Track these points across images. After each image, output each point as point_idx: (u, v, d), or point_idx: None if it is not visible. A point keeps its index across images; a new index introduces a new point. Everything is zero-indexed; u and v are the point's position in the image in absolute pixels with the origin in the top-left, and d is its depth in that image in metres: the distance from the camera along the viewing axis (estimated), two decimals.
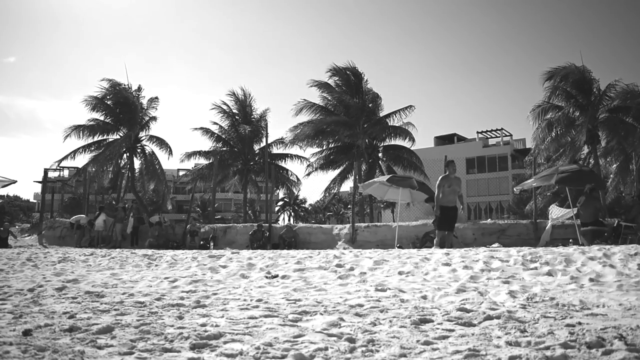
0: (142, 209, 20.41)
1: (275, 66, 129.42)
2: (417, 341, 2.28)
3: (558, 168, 11.83)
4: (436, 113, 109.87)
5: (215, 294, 4.10)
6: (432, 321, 2.77)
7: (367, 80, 24.38)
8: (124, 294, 4.06)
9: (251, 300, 3.67)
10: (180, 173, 37.76)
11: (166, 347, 2.18)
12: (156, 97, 24.30)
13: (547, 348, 2.08)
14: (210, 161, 24.33)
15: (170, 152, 23.70)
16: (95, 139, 23.20)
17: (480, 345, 2.17)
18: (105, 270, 6.32)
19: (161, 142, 23.77)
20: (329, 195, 27.10)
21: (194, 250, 10.30)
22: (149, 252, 9.29)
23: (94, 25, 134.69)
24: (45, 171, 22.72)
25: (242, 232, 15.37)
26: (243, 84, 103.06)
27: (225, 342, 2.28)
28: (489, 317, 2.82)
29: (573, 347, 2.10)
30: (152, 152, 24.05)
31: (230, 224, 17.58)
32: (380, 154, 24.59)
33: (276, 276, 5.30)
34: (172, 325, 2.67)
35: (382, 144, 24.65)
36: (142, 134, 23.86)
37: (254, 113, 25.52)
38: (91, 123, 23.12)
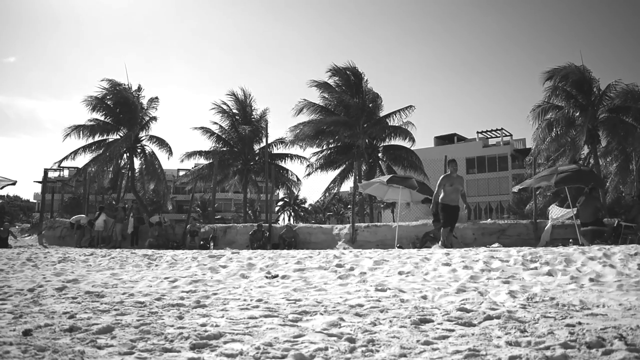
0: (142, 209, 20.42)
1: (275, 66, 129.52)
2: (417, 341, 2.28)
3: (557, 168, 11.82)
4: (436, 113, 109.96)
5: (215, 294, 4.10)
6: (432, 321, 2.77)
7: (367, 80, 24.41)
8: (124, 294, 4.06)
9: (251, 300, 3.67)
10: (180, 173, 37.75)
11: (166, 347, 2.18)
12: (156, 97, 24.33)
13: (547, 348, 2.08)
14: (210, 161, 24.34)
15: (170, 152, 23.71)
16: (96, 139, 23.21)
17: (480, 345, 2.17)
18: (105, 270, 6.32)
19: (161, 142, 23.77)
20: (329, 195, 27.10)
21: (194, 250, 10.30)
22: (149, 252, 9.29)
23: (94, 25, 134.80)
24: (45, 171, 22.76)
25: (242, 232, 15.37)
26: (243, 84, 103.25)
27: (225, 342, 2.28)
28: (489, 317, 2.82)
29: (573, 347, 2.10)
30: (152, 152, 24.07)
31: (230, 224, 17.58)
32: (380, 154, 24.59)
33: (276, 276, 5.30)
34: (172, 325, 2.67)
35: (382, 144, 24.66)
36: (142, 134, 23.87)
37: (254, 113, 25.53)
38: (91, 123, 23.13)
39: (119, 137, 23.11)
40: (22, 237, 19.22)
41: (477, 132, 54.10)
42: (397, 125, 23.94)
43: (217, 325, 2.67)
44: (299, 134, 23.81)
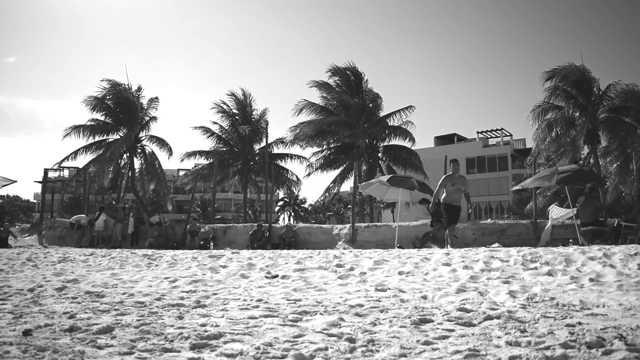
0: (142, 209, 20.42)
1: (275, 66, 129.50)
2: (417, 341, 2.28)
3: (558, 168, 11.82)
4: (436, 113, 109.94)
5: (215, 294, 4.10)
6: (432, 321, 2.77)
7: (367, 80, 24.42)
8: (124, 294, 4.06)
9: (251, 300, 3.67)
10: (180, 173, 37.77)
11: (166, 347, 2.18)
12: (156, 97, 24.34)
13: (547, 348, 2.08)
14: (210, 161, 24.35)
15: (171, 152, 23.73)
16: (96, 139, 23.22)
17: (480, 345, 2.17)
18: (105, 270, 6.32)
19: (161, 142, 23.78)
20: (329, 195, 27.11)
21: (194, 250, 10.30)
22: (149, 252, 9.29)
23: (94, 25, 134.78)
24: (45, 171, 22.75)
25: (242, 232, 15.38)
26: (243, 84, 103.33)
27: (225, 342, 2.28)
28: (489, 317, 2.82)
29: (573, 347, 2.10)
30: (152, 152, 24.08)
31: (230, 224, 17.58)
32: (380, 154, 24.60)
33: (276, 276, 5.30)
34: (172, 325, 2.67)
35: (382, 144, 24.67)
36: (142, 134, 23.88)
37: (254, 113, 25.54)
38: (91, 123, 23.14)
39: (119, 137, 23.12)
40: (22, 237, 19.22)
41: (477, 132, 54.13)
42: (397, 125, 23.95)
43: (217, 325, 2.67)
44: (299, 134, 23.81)
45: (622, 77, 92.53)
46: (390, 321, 2.77)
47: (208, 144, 26.10)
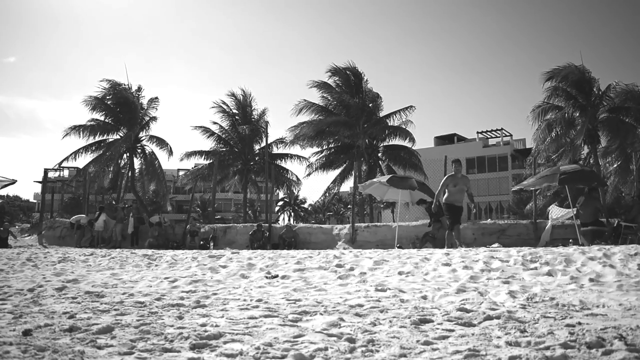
0: (142, 209, 20.42)
1: (275, 66, 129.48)
2: (417, 341, 2.28)
3: (559, 168, 11.82)
4: (436, 113, 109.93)
5: (215, 294, 4.10)
6: (432, 321, 2.77)
7: (367, 80, 24.45)
8: (124, 294, 4.06)
9: (251, 300, 3.67)
10: (180, 173, 37.80)
11: (166, 347, 2.18)
12: (156, 97, 24.36)
13: (547, 348, 2.08)
14: (210, 161, 24.36)
15: (171, 152, 23.74)
16: (96, 139, 23.23)
17: (480, 345, 2.17)
18: (105, 270, 6.32)
19: (161, 142, 23.79)
20: (329, 196, 27.12)
21: (194, 250, 10.30)
22: (149, 252, 9.30)
23: (94, 25, 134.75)
24: (45, 171, 22.74)
25: (242, 232, 15.38)
26: (243, 84, 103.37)
27: (225, 342, 2.28)
28: (489, 317, 2.82)
29: (573, 347, 2.10)
30: (152, 152, 24.09)
31: (230, 224, 17.58)
32: (380, 154, 24.60)
33: (276, 276, 5.30)
34: (172, 325, 2.67)
35: (382, 144, 24.67)
36: (142, 134, 23.89)
37: (254, 113, 25.55)
38: (91, 123, 23.15)
39: (119, 137, 23.12)
40: (22, 237, 19.22)
41: (477, 132, 54.15)
42: (397, 125, 23.96)
43: (217, 325, 2.67)
44: (299, 134, 23.82)
45: (622, 77, 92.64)
46: (390, 321, 2.77)
47: (208, 144, 26.18)
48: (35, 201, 58.66)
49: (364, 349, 2.15)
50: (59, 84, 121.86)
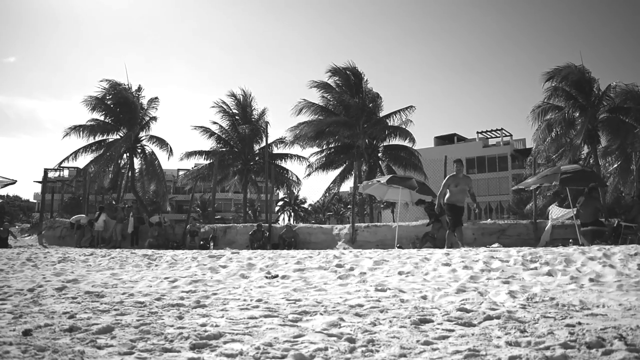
0: (142, 209, 20.42)
1: (275, 66, 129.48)
2: (417, 341, 2.28)
3: (560, 168, 11.82)
4: (436, 113, 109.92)
5: (215, 294, 4.09)
6: (432, 321, 2.77)
7: (367, 80, 24.46)
8: (123, 294, 4.06)
9: (251, 300, 3.67)
10: (180, 173, 37.80)
11: (166, 347, 2.18)
12: (156, 97, 24.37)
13: (547, 348, 2.08)
14: (211, 161, 24.36)
15: (171, 152, 23.76)
16: (96, 139, 23.24)
17: (480, 346, 2.17)
18: (105, 270, 6.32)
19: (161, 142, 23.79)
20: (329, 196, 27.13)
21: (194, 250, 10.30)
22: (149, 252, 9.30)
23: (94, 25, 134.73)
24: (45, 171, 22.73)
25: (242, 232, 15.38)
26: (243, 84, 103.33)
27: (225, 342, 2.28)
28: (489, 317, 2.82)
29: (573, 347, 2.10)
30: (152, 152, 24.10)
31: (230, 224, 17.58)
32: (380, 154, 24.61)
33: (276, 276, 5.30)
34: (172, 325, 2.67)
35: (382, 144, 24.68)
36: (142, 134, 23.89)
37: (254, 113, 25.55)
38: (91, 123, 23.15)
39: (119, 137, 23.12)
40: (22, 237, 19.21)
41: (477, 132, 54.14)
42: (397, 125, 23.97)
43: (217, 325, 2.67)
44: (299, 134, 23.83)
45: (622, 77, 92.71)
46: (390, 321, 2.77)
47: (208, 144, 26.15)
48: (35, 201, 58.66)
49: (364, 349, 2.15)
50: (59, 84, 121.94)
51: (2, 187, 16.33)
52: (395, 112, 23.95)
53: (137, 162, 23.93)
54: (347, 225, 14.59)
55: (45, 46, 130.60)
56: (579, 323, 2.60)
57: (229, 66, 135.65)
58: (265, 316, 2.96)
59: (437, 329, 2.58)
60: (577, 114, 20.72)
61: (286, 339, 2.34)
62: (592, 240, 9.90)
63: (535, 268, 5.10)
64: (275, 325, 2.67)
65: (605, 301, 3.32)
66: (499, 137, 53.17)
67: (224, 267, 6.26)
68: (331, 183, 25.21)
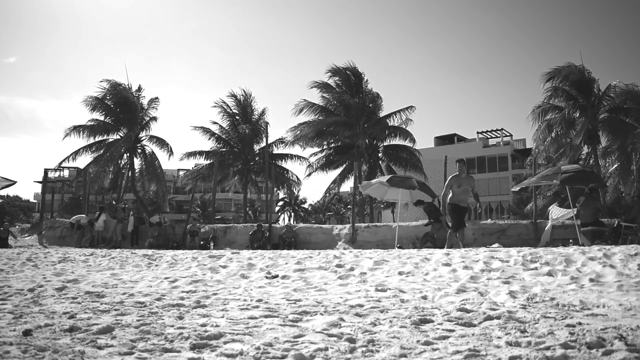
0: (142, 209, 20.42)
1: (275, 66, 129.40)
2: (417, 341, 2.28)
3: (560, 167, 11.81)
4: (436, 113, 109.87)
5: (215, 294, 4.09)
6: (432, 321, 2.77)
7: (367, 80, 24.50)
8: (124, 294, 4.06)
9: (251, 300, 3.67)
10: (180, 173, 37.83)
11: (166, 347, 2.18)
12: (156, 98, 24.41)
13: (548, 348, 2.08)
14: (211, 161, 24.37)
15: (171, 152, 23.79)
16: (96, 139, 23.26)
17: (480, 346, 2.17)
18: (105, 271, 6.32)
19: (161, 142, 23.81)
20: (329, 196, 27.14)
21: (194, 251, 10.30)
22: (149, 252, 9.30)
23: (94, 25, 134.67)
24: (45, 171, 22.77)
25: (242, 232, 15.38)
26: (243, 84, 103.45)
27: (225, 342, 2.28)
28: (489, 318, 2.82)
29: (573, 347, 2.10)
30: (152, 152, 24.12)
31: (230, 224, 17.58)
32: (380, 154, 24.62)
33: (276, 276, 5.30)
34: (172, 326, 2.67)
35: (382, 144, 24.69)
36: (142, 134, 23.91)
37: (254, 113, 25.57)
38: (91, 123, 23.18)
39: (119, 138, 23.14)
40: (22, 237, 19.21)
41: (477, 132, 54.14)
42: (397, 125, 23.98)
43: (217, 326, 2.67)
44: (299, 135, 23.84)
45: (622, 77, 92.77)
46: (391, 321, 2.77)
47: (208, 144, 26.17)
48: (35, 201, 58.66)
49: (364, 349, 2.15)
50: (59, 84, 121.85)
51: (2, 188, 16.33)
52: (395, 112, 23.98)
53: (137, 162, 23.97)
54: (347, 225, 14.59)
55: (45, 46, 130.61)
56: (579, 323, 2.60)
57: (229, 66, 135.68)
58: (266, 316, 2.96)
59: (438, 329, 2.58)
60: (577, 114, 20.73)
61: (286, 339, 2.34)
62: (592, 240, 9.89)
63: (536, 268, 5.10)
64: (275, 325, 2.67)
65: (605, 301, 3.32)
66: (499, 137, 53.18)
67: (224, 267, 6.26)
68: (331, 183, 25.23)
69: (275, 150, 25.50)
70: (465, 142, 54.64)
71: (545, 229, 12.07)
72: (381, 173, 22.70)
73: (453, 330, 2.53)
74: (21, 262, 7.35)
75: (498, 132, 53.02)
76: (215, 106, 25.30)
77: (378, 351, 2.13)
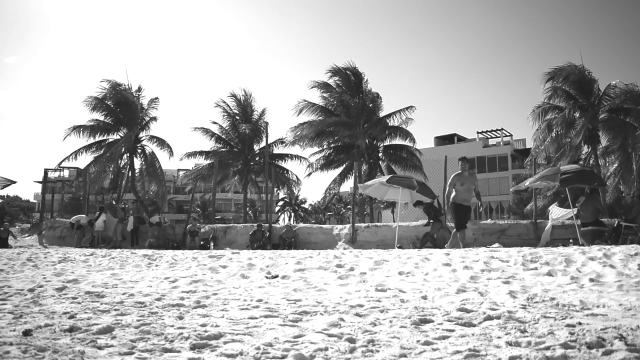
0: (142, 209, 20.42)
1: (275, 66, 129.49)
2: (417, 341, 2.28)
3: (560, 168, 11.80)
4: (436, 113, 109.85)
5: (215, 294, 4.09)
6: (433, 321, 2.77)
7: (367, 80, 24.50)
8: (124, 294, 4.06)
9: (251, 300, 3.67)
10: (180, 173, 37.83)
11: (166, 347, 2.18)
12: (156, 98, 24.39)
13: (547, 348, 2.08)
14: (211, 161, 24.37)
15: (171, 152, 23.77)
16: (96, 139, 23.26)
17: (480, 346, 2.17)
18: (105, 271, 6.32)
19: (161, 143, 23.80)
20: (329, 196, 27.15)
21: (194, 251, 10.30)
22: (149, 252, 9.29)
23: (94, 25, 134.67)
24: (45, 171, 22.77)
25: (242, 233, 15.37)
26: (243, 84, 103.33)
27: (225, 342, 2.28)
28: (489, 318, 2.82)
29: (573, 347, 2.10)
30: (152, 152, 24.12)
31: (231, 224, 17.58)
32: (380, 154, 24.62)
33: (276, 276, 5.29)
34: (172, 326, 2.67)
35: (382, 144, 24.69)
36: (142, 134, 23.91)
37: (254, 113, 25.57)
38: (91, 123, 23.17)
39: (119, 138, 23.14)
40: (22, 237, 19.23)
41: (477, 132, 54.17)
42: (397, 125, 23.98)
43: (217, 326, 2.67)
44: (299, 135, 23.85)
45: (622, 77, 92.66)
46: (391, 321, 2.77)
47: (208, 144, 26.17)
48: (35, 201, 58.68)
49: (364, 349, 2.15)
50: (59, 84, 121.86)
51: (2, 188, 16.33)
52: (395, 112, 23.97)
53: (137, 162, 23.97)
54: (347, 225, 14.58)
55: (46, 46, 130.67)
56: (579, 323, 2.60)
57: (229, 66, 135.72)
58: (266, 316, 2.96)
59: (438, 329, 2.58)
60: (578, 114, 20.73)
61: (286, 339, 2.34)
62: (592, 240, 9.89)
63: (536, 268, 5.10)
64: (275, 325, 2.67)
65: (605, 301, 3.32)
66: (499, 137, 53.20)
67: (224, 267, 6.26)
68: (331, 183, 25.23)
69: (275, 150, 25.51)
70: (465, 142, 54.66)
71: (545, 229, 12.06)
72: (381, 173, 22.71)
73: (453, 330, 2.53)
74: (21, 262, 7.35)
75: (498, 132, 53.03)
76: (215, 106, 25.34)
77: (378, 351, 2.13)
